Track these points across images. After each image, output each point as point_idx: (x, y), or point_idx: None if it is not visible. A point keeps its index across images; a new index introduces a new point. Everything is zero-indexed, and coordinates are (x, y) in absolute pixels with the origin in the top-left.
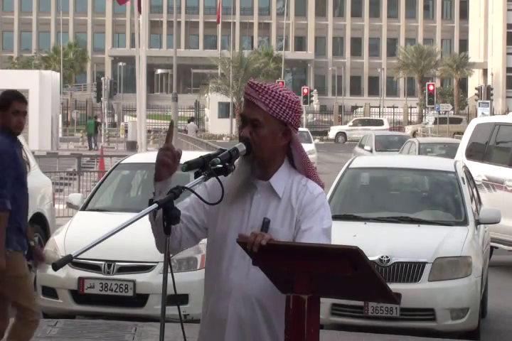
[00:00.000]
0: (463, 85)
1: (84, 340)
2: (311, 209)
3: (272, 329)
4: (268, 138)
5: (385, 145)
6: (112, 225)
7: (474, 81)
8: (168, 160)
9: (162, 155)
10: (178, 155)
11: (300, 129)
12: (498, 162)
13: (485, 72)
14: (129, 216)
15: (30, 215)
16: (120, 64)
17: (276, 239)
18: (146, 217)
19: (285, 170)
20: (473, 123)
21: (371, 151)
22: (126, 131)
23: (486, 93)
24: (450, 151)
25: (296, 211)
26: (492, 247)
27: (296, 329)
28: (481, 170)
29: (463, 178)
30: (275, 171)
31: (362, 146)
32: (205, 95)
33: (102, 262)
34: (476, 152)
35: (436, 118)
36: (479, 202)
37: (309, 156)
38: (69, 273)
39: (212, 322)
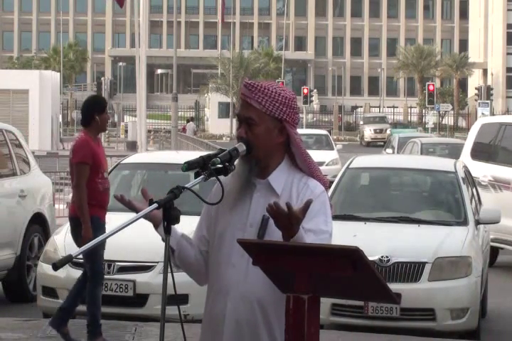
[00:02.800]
0: (463, 85)
1: (84, 340)
2: (312, 208)
3: (270, 329)
4: (263, 136)
5: None
6: (112, 225)
7: (474, 81)
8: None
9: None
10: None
11: (318, 132)
12: (504, 162)
13: (485, 72)
14: (129, 216)
15: (30, 215)
16: (120, 64)
17: (276, 236)
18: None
19: (285, 168)
20: (479, 123)
21: (393, 154)
22: (126, 131)
23: (486, 93)
24: (453, 151)
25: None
26: (497, 248)
27: (296, 329)
28: (486, 171)
29: (463, 178)
30: (274, 169)
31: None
32: (205, 95)
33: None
34: (481, 152)
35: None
36: (479, 202)
37: (333, 167)
38: (69, 273)
39: (211, 321)
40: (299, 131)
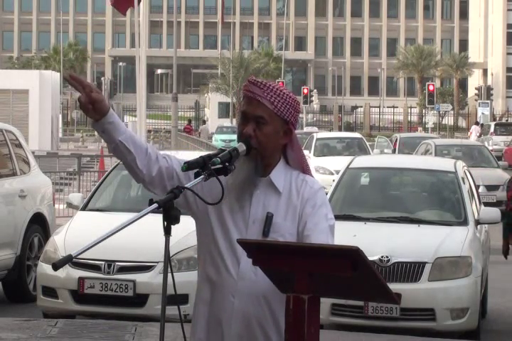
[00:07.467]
0: (463, 85)
1: (84, 340)
2: (313, 204)
3: (277, 326)
4: (271, 136)
5: (413, 147)
6: (112, 225)
7: (474, 81)
8: (97, 96)
9: (87, 95)
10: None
11: (350, 135)
12: None
13: (485, 72)
14: (129, 216)
15: (30, 215)
16: (120, 64)
17: (281, 232)
18: (146, 217)
19: (282, 166)
20: None
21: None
22: None
23: (486, 93)
24: (467, 153)
25: (299, 205)
26: None
27: (296, 329)
28: None
29: (463, 178)
30: (273, 168)
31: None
32: (205, 95)
33: (102, 262)
34: None
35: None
36: (479, 202)
37: None
38: (69, 273)
39: (216, 319)
40: (330, 134)
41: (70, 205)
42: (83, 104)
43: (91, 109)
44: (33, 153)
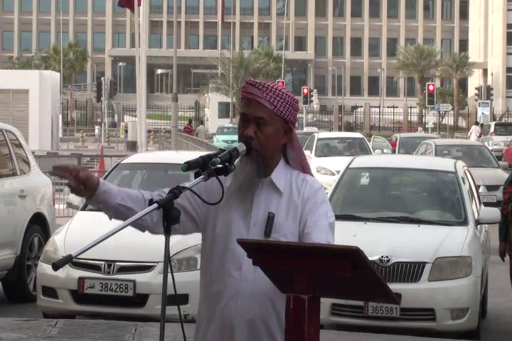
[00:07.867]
0: (463, 85)
1: (84, 340)
2: (314, 202)
3: (282, 326)
4: (273, 136)
5: (413, 147)
6: (112, 225)
7: (474, 81)
8: (85, 174)
9: (75, 177)
10: (77, 171)
11: (352, 135)
12: None
13: (485, 72)
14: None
15: (30, 215)
16: (120, 64)
17: (282, 232)
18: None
19: (282, 166)
20: None
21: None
22: (126, 131)
23: (486, 93)
24: (467, 153)
25: (300, 204)
26: None
27: (296, 329)
28: None
29: (463, 178)
30: (274, 168)
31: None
32: (205, 95)
33: (102, 262)
34: None
35: None
36: (479, 202)
37: None
38: (69, 273)
39: (221, 322)
40: (331, 134)
41: (70, 205)
42: (74, 188)
43: (83, 189)
44: (33, 153)
